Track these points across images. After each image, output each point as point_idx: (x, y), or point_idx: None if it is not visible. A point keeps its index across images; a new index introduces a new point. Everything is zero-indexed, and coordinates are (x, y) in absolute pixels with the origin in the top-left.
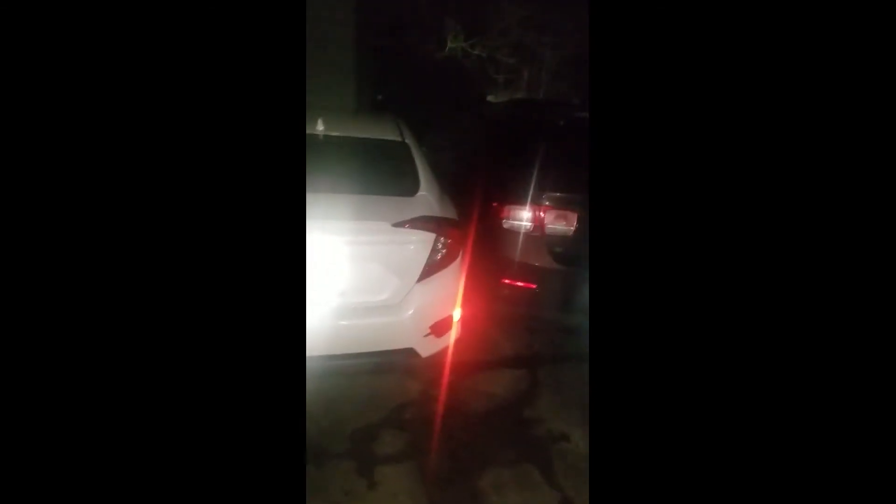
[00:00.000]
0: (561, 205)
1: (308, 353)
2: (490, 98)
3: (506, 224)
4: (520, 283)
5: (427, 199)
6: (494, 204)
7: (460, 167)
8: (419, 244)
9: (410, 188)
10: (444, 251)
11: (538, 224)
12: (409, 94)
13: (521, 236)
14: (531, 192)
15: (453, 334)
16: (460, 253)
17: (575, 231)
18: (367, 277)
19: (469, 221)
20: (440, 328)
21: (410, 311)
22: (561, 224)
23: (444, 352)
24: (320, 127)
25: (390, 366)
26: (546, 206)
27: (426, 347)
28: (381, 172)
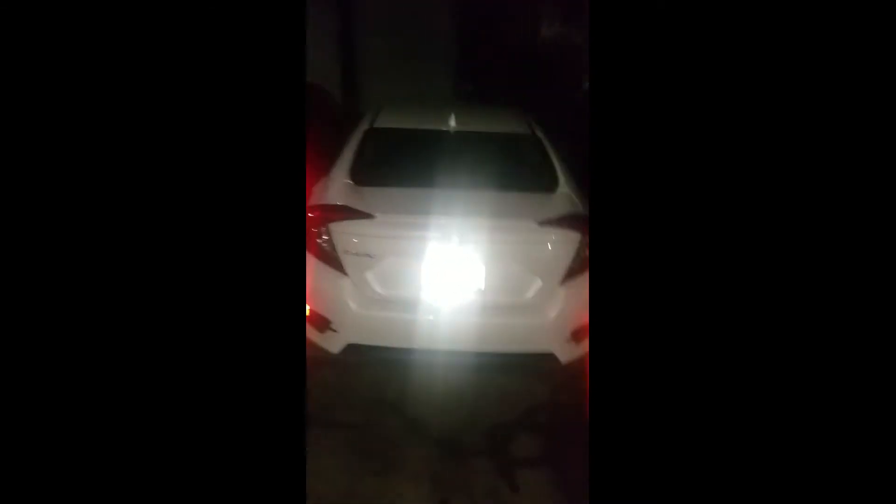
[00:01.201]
0: None
1: (445, 347)
2: (587, 86)
3: None
4: None
5: (569, 195)
6: None
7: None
8: (563, 244)
9: (549, 184)
10: (587, 252)
11: None
12: (503, 83)
13: None
14: None
15: None
16: None
17: None
18: (508, 277)
19: None
20: (581, 334)
21: (553, 315)
22: None
23: (579, 358)
24: (452, 123)
25: (518, 367)
26: None
27: (566, 353)
28: (517, 168)
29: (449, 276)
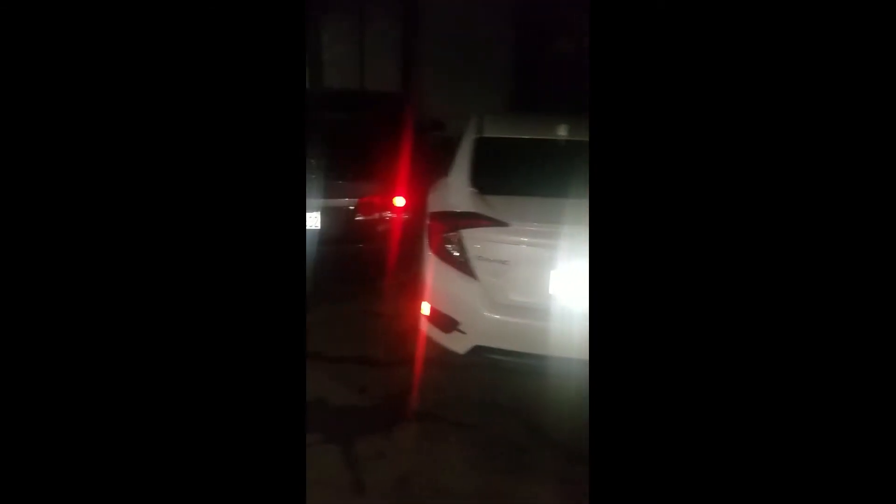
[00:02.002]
0: None
1: (570, 355)
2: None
3: None
4: None
5: None
6: None
7: None
8: None
9: None
10: None
11: None
12: (557, 92)
13: None
14: None
15: None
16: None
17: None
18: None
19: None
20: None
21: None
22: None
23: None
24: (562, 132)
25: None
26: None
27: None
28: None
29: (578, 285)
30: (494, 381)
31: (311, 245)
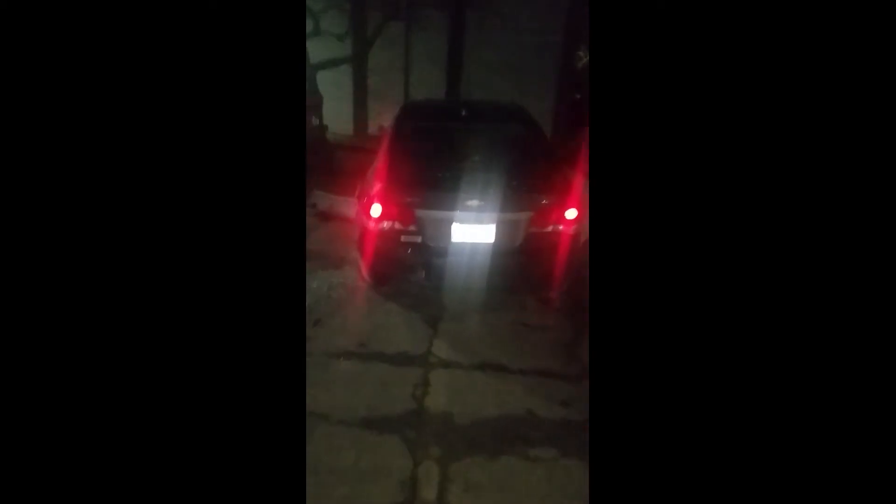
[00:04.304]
0: None
1: None
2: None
3: None
4: None
5: None
6: None
7: None
8: None
9: None
10: None
11: None
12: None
13: None
14: None
15: None
16: None
17: None
18: None
19: None
20: None
21: None
22: None
23: None
24: None
25: None
26: None
27: None
28: None
29: None
30: None
31: (484, 257)
